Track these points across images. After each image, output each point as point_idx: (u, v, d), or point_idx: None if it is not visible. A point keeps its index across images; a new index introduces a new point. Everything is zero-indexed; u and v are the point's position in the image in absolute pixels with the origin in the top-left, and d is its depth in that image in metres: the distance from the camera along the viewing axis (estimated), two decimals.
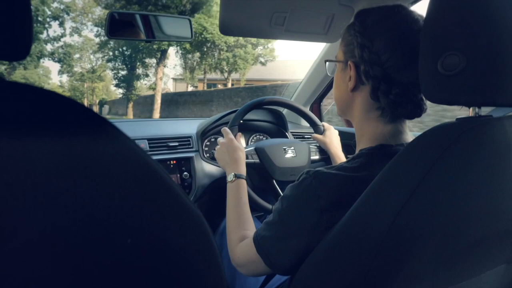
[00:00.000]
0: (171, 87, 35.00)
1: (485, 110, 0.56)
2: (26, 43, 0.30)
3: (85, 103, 37.68)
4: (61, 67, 31.59)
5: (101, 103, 35.73)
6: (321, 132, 1.36)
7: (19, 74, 33.09)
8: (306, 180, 0.67)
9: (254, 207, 1.13)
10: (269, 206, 1.16)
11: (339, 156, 1.29)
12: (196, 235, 0.28)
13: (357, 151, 0.75)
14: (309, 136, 1.77)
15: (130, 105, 26.76)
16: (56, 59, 30.82)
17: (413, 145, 0.53)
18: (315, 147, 1.39)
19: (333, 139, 1.33)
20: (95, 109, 31.46)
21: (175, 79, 33.12)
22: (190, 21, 1.28)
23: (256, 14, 1.08)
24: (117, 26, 1.17)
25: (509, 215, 0.53)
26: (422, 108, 0.69)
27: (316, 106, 1.98)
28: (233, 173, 1.02)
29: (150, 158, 0.27)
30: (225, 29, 1.11)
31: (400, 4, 0.70)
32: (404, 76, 0.65)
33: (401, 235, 0.47)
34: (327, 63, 0.89)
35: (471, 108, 0.55)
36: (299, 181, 0.68)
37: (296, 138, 1.73)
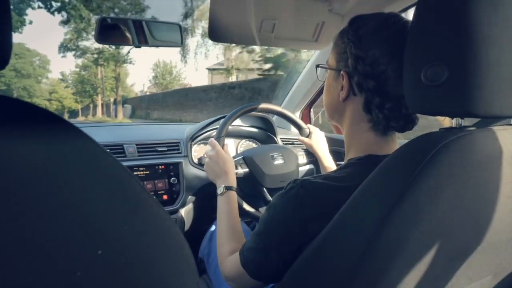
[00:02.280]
0: (206, 79, 30.16)
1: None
2: (5, 53, 0.29)
3: (99, 102, 35.18)
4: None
5: (117, 102, 28.80)
6: (307, 134, 1.36)
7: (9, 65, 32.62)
8: (292, 190, 0.66)
9: (245, 216, 1.13)
10: (259, 214, 1.16)
11: (326, 158, 1.29)
12: (164, 241, 0.27)
13: (345, 161, 0.75)
14: (298, 142, 1.78)
15: None
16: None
17: (395, 156, 0.54)
18: (302, 150, 1.39)
19: (319, 141, 1.33)
20: (119, 110, 26.84)
21: (211, 69, 28.27)
22: (180, 26, 1.28)
23: (245, 21, 1.08)
24: (107, 31, 1.17)
25: (492, 227, 0.54)
26: (414, 121, 0.70)
27: (306, 112, 1.99)
28: (223, 185, 1.01)
29: (115, 162, 0.26)
30: (214, 35, 1.11)
31: (395, 14, 0.70)
32: (398, 89, 0.64)
33: (382, 247, 0.47)
34: (318, 68, 0.89)
35: (454, 119, 0.56)
36: (286, 190, 0.68)
37: (286, 143, 1.73)
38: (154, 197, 1.32)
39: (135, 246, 0.24)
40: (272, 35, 1.17)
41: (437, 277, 0.53)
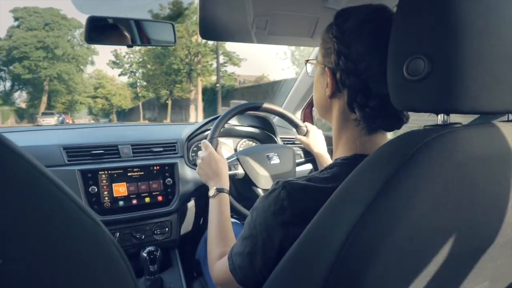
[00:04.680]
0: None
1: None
2: None
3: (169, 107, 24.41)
4: None
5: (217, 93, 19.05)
6: (304, 133, 1.33)
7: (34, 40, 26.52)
8: (274, 192, 0.64)
9: (238, 217, 1.11)
10: None
11: (324, 157, 1.26)
12: (97, 262, 0.25)
13: (332, 160, 0.72)
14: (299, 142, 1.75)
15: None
16: None
17: (375, 155, 0.51)
18: (300, 149, 1.36)
19: (316, 140, 1.30)
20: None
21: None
22: (173, 25, 1.26)
23: (236, 18, 1.06)
24: (97, 31, 1.15)
25: (482, 231, 0.51)
26: (402, 120, 0.66)
27: (308, 112, 1.96)
28: (215, 188, 0.99)
29: (38, 171, 0.24)
30: (205, 33, 1.09)
31: (384, 6, 0.66)
32: (383, 87, 0.60)
33: (357, 251, 0.44)
34: (308, 64, 0.86)
35: (439, 116, 0.53)
36: (269, 192, 0.66)
37: (286, 143, 1.71)
38: (148, 198, 1.32)
39: (44, 255, 0.22)
40: (265, 32, 1.15)
41: (423, 284, 0.49)
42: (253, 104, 1.27)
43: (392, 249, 0.44)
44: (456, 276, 0.54)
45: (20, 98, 33.22)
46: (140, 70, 27.76)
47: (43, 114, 26.05)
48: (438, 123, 0.53)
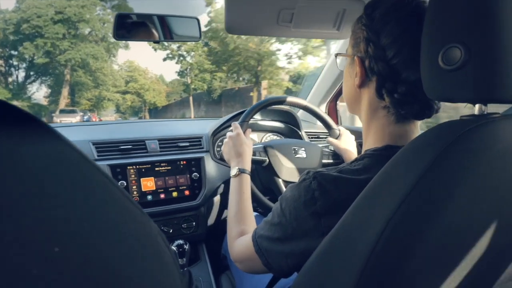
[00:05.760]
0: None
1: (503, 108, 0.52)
2: None
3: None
4: None
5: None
6: (336, 136, 1.32)
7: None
8: (305, 182, 0.64)
9: (258, 206, 1.11)
10: (272, 205, 1.14)
11: None
12: (145, 249, 0.26)
13: (363, 151, 0.71)
14: (324, 136, 1.73)
15: None
16: None
17: (410, 146, 0.50)
18: (329, 150, 1.34)
19: (348, 144, 1.28)
20: None
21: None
22: (198, 20, 1.27)
23: (262, 12, 1.06)
24: (125, 28, 1.17)
25: None
26: (432, 108, 0.65)
27: (333, 105, 1.94)
28: (237, 167, 1.01)
29: (89, 163, 0.25)
30: (231, 27, 1.09)
31: None
32: (412, 73, 0.61)
33: (391, 245, 0.43)
34: (338, 58, 0.86)
35: (476, 106, 0.51)
36: (299, 182, 0.66)
37: (311, 137, 1.70)
38: (176, 193, 1.34)
39: (97, 243, 0.23)
40: (291, 25, 1.14)
41: (460, 277, 0.48)
42: (287, 98, 1.27)
43: (429, 243, 0.43)
44: (493, 271, 0.52)
45: (39, 92, 26.99)
46: (193, 53, 21.94)
47: (61, 112, 20.77)
48: (476, 113, 0.51)
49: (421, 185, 0.43)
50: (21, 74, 24.24)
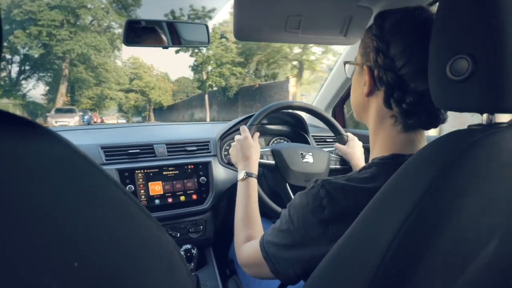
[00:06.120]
0: None
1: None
2: None
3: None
4: None
5: None
6: (345, 142, 1.32)
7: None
8: (313, 189, 0.65)
9: (265, 209, 1.12)
10: (279, 209, 1.14)
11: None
12: (148, 252, 0.26)
13: (370, 160, 0.72)
14: (331, 140, 1.74)
15: None
16: None
17: (419, 155, 0.50)
18: (336, 156, 1.35)
19: (356, 151, 1.28)
20: None
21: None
22: (207, 26, 1.28)
23: (270, 18, 1.07)
24: (135, 34, 1.19)
25: None
26: (439, 118, 0.66)
27: (339, 110, 1.94)
28: (244, 171, 1.02)
29: (94, 168, 0.26)
30: (240, 34, 1.11)
31: (421, 6, 0.67)
32: (420, 83, 0.62)
33: (401, 254, 0.44)
34: (346, 65, 0.87)
35: (484, 115, 0.52)
36: (307, 189, 0.67)
37: (318, 141, 1.70)
38: (183, 197, 1.35)
39: (116, 259, 0.24)
40: (299, 31, 1.15)
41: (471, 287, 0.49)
42: (296, 103, 1.28)
43: (439, 252, 0.43)
44: (504, 280, 0.53)
45: (36, 89, 24.53)
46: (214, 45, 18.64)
47: (57, 111, 18.22)
48: (483, 122, 0.52)
49: (430, 195, 0.44)
50: (15, 68, 21.44)
